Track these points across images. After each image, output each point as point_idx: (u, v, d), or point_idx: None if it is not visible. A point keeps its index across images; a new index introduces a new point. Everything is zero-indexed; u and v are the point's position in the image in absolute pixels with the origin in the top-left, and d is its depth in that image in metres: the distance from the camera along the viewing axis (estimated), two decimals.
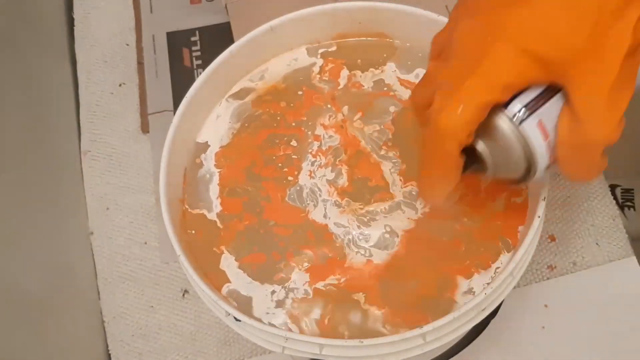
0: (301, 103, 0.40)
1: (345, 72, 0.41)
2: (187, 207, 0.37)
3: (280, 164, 0.38)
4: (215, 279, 0.35)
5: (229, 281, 0.35)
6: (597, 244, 0.48)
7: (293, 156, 0.38)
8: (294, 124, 0.39)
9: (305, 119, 0.39)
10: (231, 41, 0.40)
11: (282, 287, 0.35)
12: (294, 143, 0.39)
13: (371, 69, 0.41)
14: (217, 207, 0.37)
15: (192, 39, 0.55)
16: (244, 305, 0.35)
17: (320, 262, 0.35)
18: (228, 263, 0.36)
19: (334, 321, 0.34)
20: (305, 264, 0.35)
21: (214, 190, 0.38)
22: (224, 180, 0.38)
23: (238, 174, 0.38)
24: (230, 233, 0.37)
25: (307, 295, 0.35)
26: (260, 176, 0.38)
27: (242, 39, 0.39)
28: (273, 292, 0.35)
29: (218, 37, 0.55)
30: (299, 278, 0.35)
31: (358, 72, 0.41)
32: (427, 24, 0.39)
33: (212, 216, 0.37)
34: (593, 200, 0.49)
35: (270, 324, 0.34)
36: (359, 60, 0.41)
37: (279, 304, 0.34)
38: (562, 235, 0.48)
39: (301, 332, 0.34)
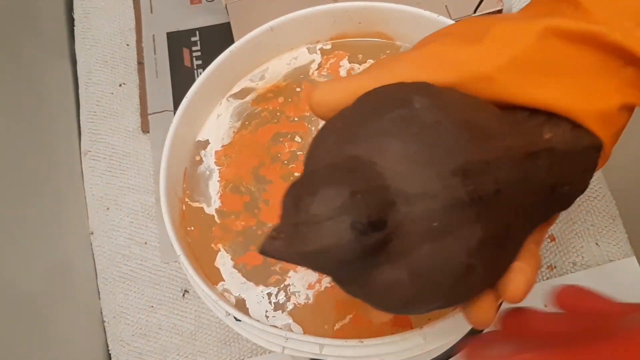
0: (299, 99, 0.40)
1: (345, 63, 0.41)
2: (187, 200, 0.38)
3: (286, 161, 0.38)
4: (210, 276, 0.35)
5: (222, 279, 0.35)
6: (597, 244, 0.48)
7: (298, 152, 0.38)
8: (296, 119, 0.39)
9: (308, 114, 0.39)
10: (231, 41, 0.40)
11: (280, 290, 0.35)
12: (298, 139, 0.39)
13: (369, 60, 0.41)
14: (216, 202, 0.37)
15: (193, 39, 0.55)
16: (238, 305, 0.35)
17: None
18: (223, 261, 0.36)
19: (336, 320, 0.34)
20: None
21: (213, 186, 0.38)
22: (226, 177, 0.38)
23: (244, 173, 0.38)
24: (227, 230, 0.37)
25: (307, 299, 0.35)
26: (265, 179, 0.38)
27: (242, 39, 0.39)
28: (270, 294, 0.35)
29: (218, 38, 0.55)
30: (297, 280, 0.35)
31: (356, 65, 0.41)
32: (427, 24, 0.39)
33: (210, 211, 0.37)
34: (593, 200, 0.49)
35: (271, 325, 0.34)
36: (360, 56, 0.41)
37: (278, 306, 0.34)
38: (562, 235, 0.48)
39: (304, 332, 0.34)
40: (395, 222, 0.22)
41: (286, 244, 0.22)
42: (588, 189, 0.49)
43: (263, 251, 0.22)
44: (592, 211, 0.49)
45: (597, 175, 0.50)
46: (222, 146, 0.39)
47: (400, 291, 0.23)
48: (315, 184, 0.22)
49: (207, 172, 0.39)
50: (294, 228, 0.22)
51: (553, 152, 0.25)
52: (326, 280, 0.35)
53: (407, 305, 0.24)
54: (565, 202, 0.27)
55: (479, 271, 0.23)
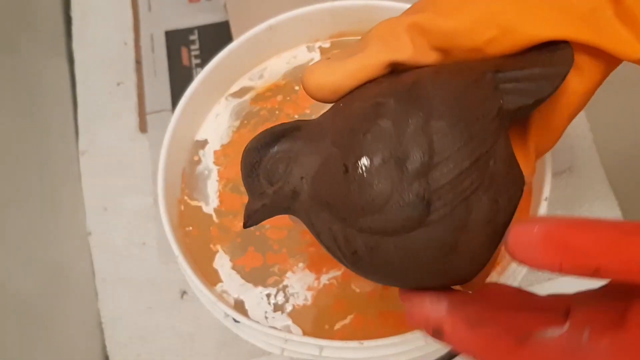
0: (298, 97, 0.40)
1: None
2: (186, 198, 0.37)
3: None
4: (208, 277, 0.35)
5: (221, 280, 0.35)
6: None
7: None
8: (295, 117, 0.39)
9: (307, 111, 0.39)
10: (230, 40, 0.40)
11: (279, 290, 0.35)
12: None
13: None
14: (214, 201, 0.37)
15: (191, 37, 0.55)
16: (237, 306, 0.34)
17: (322, 252, 0.35)
18: (222, 262, 0.36)
19: (335, 320, 0.34)
20: (301, 265, 0.35)
21: (212, 186, 0.38)
22: (226, 177, 0.38)
23: None
24: (226, 231, 0.36)
25: (306, 300, 0.34)
26: None
27: (241, 37, 0.39)
28: (269, 295, 0.34)
29: (217, 36, 0.55)
30: (296, 282, 0.35)
31: None
32: None
33: (208, 210, 0.37)
34: (595, 201, 0.49)
35: (270, 326, 0.33)
36: None
37: (277, 307, 0.34)
38: None
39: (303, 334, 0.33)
40: (306, 121, 0.25)
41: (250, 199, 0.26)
42: (590, 192, 0.49)
43: (244, 223, 0.25)
44: (595, 212, 0.49)
45: (600, 177, 0.50)
46: (221, 146, 0.39)
47: (334, 161, 0.23)
48: None
49: (206, 172, 0.38)
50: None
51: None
52: (325, 278, 0.35)
53: (347, 174, 0.23)
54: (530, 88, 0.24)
55: (390, 106, 0.23)
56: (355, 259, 0.24)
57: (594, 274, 0.19)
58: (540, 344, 0.22)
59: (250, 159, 0.25)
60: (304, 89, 0.26)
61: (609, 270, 0.19)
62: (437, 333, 0.23)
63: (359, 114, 0.24)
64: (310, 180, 0.24)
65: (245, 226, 0.25)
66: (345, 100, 0.25)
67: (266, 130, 0.25)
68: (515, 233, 0.20)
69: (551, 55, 0.24)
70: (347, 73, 0.25)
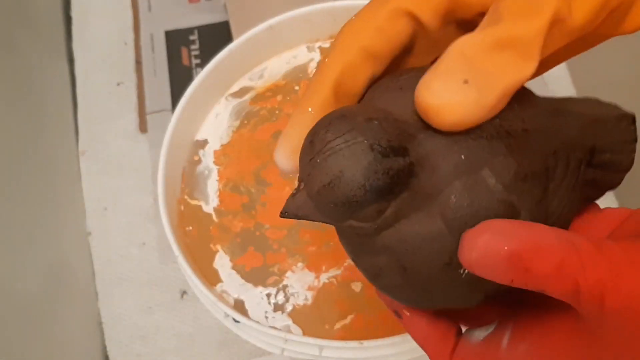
0: (297, 97, 0.40)
1: None
2: (186, 197, 0.37)
3: None
4: (208, 277, 0.35)
5: (221, 280, 0.35)
6: None
7: None
8: None
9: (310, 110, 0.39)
10: (230, 40, 0.40)
11: (279, 290, 0.35)
12: None
13: None
14: (214, 201, 0.37)
15: (191, 37, 0.55)
16: (237, 306, 0.34)
17: (322, 250, 0.35)
18: (222, 262, 0.36)
19: (335, 319, 0.34)
20: (300, 264, 0.35)
21: (212, 186, 0.38)
22: (226, 176, 0.38)
23: (245, 173, 0.38)
24: (225, 231, 0.36)
25: (306, 300, 0.34)
26: (266, 181, 0.38)
27: (241, 37, 0.39)
28: (269, 295, 0.34)
29: (217, 36, 0.55)
30: (295, 281, 0.35)
31: None
32: None
33: (208, 209, 0.37)
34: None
35: (270, 326, 0.33)
36: None
37: (277, 307, 0.34)
38: None
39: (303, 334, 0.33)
40: (418, 154, 0.20)
41: (305, 194, 0.20)
42: None
43: (284, 213, 0.20)
44: None
45: None
46: (221, 145, 0.39)
47: (440, 244, 0.20)
48: (330, 117, 0.20)
49: (206, 172, 0.38)
50: (310, 164, 0.20)
51: (582, 117, 0.24)
52: (324, 277, 0.35)
53: (449, 267, 0.20)
54: (612, 176, 0.25)
55: (524, 217, 0.20)
56: (381, 288, 0.22)
57: (539, 291, 0.18)
58: (467, 344, 0.22)
59: (348, 195, 0.19)
60: (427, 118, 0.19)
61: (554, 292, 0.18)
62: (397, 314, 0.23)
63: (485, 214, 0.20)
64: (395, 233, 0.20)
65: (282, 216, 0.21)
66: (466, 153, 0.20)
67: (378, 165, 0.19)
68: (484, 247, 0.18)
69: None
70: (489, 107, 0.20)
